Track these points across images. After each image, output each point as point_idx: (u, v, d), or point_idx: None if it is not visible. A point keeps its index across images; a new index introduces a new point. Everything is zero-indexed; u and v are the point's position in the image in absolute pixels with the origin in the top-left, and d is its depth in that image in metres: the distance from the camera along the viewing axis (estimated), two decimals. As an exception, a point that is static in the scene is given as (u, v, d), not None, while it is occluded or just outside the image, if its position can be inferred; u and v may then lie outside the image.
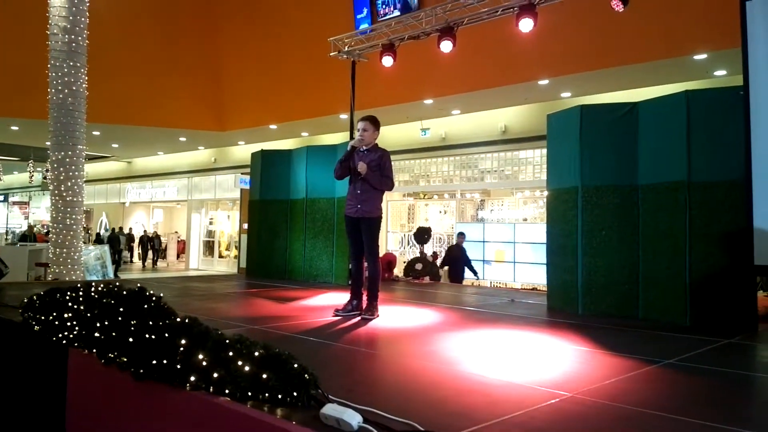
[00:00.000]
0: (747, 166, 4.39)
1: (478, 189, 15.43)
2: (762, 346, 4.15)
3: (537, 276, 11.91)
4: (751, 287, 4.64)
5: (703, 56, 9.52)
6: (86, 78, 9.87)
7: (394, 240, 16.53)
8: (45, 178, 21.11)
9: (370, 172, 4.88)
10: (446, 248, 12.22)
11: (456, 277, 11.47)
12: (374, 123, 5.02)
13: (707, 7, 8.62)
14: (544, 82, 11.40)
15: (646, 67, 10.14)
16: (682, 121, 4.83)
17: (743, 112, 4.44)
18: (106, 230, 23.57)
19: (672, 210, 4.87)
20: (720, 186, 4.65)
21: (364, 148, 5.00)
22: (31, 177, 24.03)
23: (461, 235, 12.03)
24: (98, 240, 20.42)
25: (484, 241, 13.48)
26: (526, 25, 7.54)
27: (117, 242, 20.38)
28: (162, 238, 25.69)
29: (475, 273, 11.73)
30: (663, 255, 4.93)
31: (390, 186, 5.02)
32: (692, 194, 4.74)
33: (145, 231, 25.62)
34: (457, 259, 11.52)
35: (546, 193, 6.13)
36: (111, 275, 14.81)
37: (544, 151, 6.52)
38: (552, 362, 3.38)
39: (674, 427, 2.23)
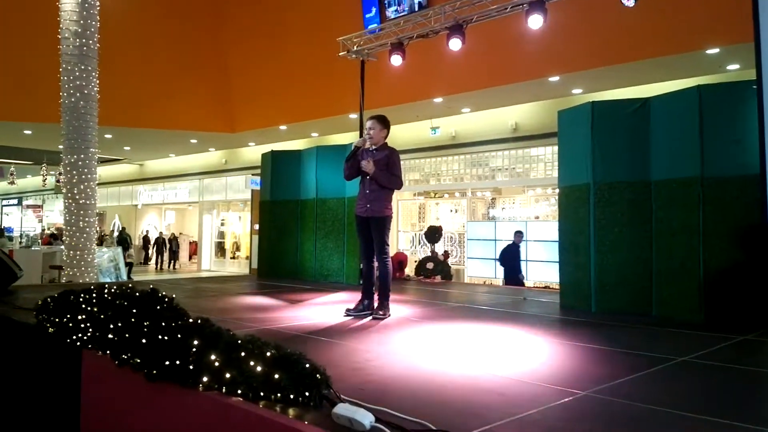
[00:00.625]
0: (762, 161, 4.34)
1: (489, 187, 15.37)
2: (778, 343, 4.10)
3: (549, 274, 11.84)
4: (766, 283, 4.58)
5: (716, 51, 9.42)
6: (98, 81, 9.95)
7: (405, 239, 16.51)
8: (58, 181, 21.27)
9: (378, 170, 4.87)
10: (503, 248, 11.72)
11: (514, 278, 11.13)
12: (382, 122, 5.01)
13: (719, 0, 8.53)
14: (555, 78, 11.33)
15: (657, 63, 10.05)
16: (694, 116, 4.79)
17: (757, 107, 4.39)
18: (118, 230, 23.46)
19: (685, 206, 4.83)
20: (734, 181, 4.60)
21: (373, 147, 4.99)
22: (44, 180, 24.25)
23: (519, 233, 11.52)
24: (102, 242, 20.10)
25: (495, 240, 13.44)
26: (535, 21, 7.49)
27: (126, 244, 20.23)
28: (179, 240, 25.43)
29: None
30: (677, 251, 4.89)
31: (398, 185, 5.00)
32: (706, 190, 4.69)
33: (161, 233, 25.41)
34: (515, 258, 11.24)
35: (558, 190, 6.09)
36: (124, 277, 14.93)
37: (556, 148, 6.48)
38: (565, 360, 3.36)
39: (689, 426, 2.20)
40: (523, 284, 11.03)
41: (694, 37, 9.29)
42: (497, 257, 11.91)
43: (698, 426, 2.20)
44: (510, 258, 11.29)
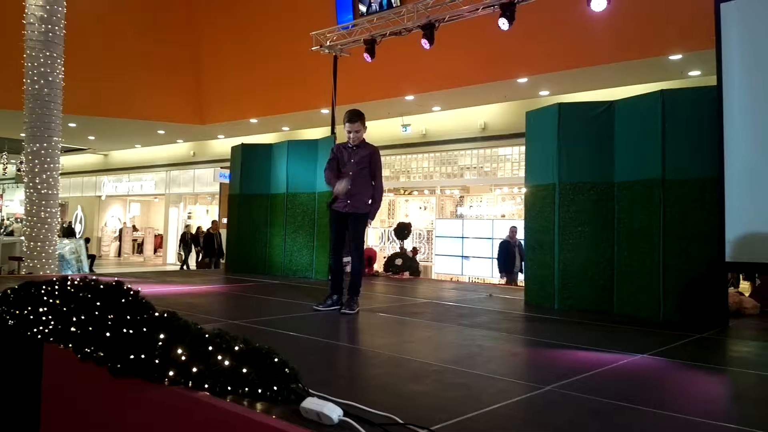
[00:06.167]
0: (720, 164, 4.49)
1: (457, 185, 15.51)
2: (733, 341, 4.25)
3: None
4: (722, 283, 4.74)
5: (678, 57, 9.67)
6: (63, 69, 9.70)
7: (374, 235, 16.55)
8: (19, 170, 20.69)
9: (373, 210, 5.01)
10: (499, 244, 11.73)
11: (510, 274, 11.23)
12: (363, 121, 4.96)
13: (682, 8, 8.75)
14: (523, 80, 11.48)
15: (622, 67, 10.27)
16: (657, 120, 4.92)
17: (716, 112, 4.54)
18: (80, 222, 22.15)
19: (647, 207, 4.96)
20: (693, 184, 4.74)
21: (352, 144, 4.98)
22: (4, 169, 23.56)
23: (513, 229, 11.41)
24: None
25: (462, 237, 13.57)
26: (505, 23, 7.61)
27: (73, 236, 18.74)
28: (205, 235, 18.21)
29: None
30: (637, 251, 5.02)
31: (382, 192, 5.14)
32: (666, 192, 4.83)
33: (191, 225, 19.65)
34: (512, 255, 11.26)
35: (524, 189, 6.19)
36: (86, 270, 14.61)
37: (523, 148, 6.59)
38: (528, 356, 3.43)
39: (648, 420, 2.28)
40: (515, 282, 10.99)
41: (657, 43, 9.52)
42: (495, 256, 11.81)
43: (656, 420, 2.28)
44: (507, 255, 11.29)
